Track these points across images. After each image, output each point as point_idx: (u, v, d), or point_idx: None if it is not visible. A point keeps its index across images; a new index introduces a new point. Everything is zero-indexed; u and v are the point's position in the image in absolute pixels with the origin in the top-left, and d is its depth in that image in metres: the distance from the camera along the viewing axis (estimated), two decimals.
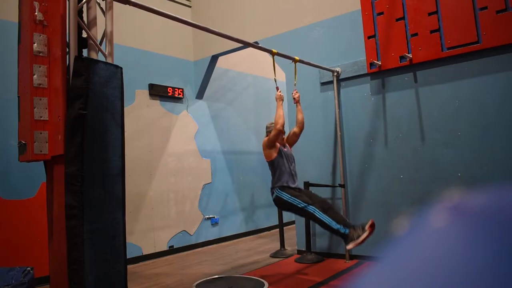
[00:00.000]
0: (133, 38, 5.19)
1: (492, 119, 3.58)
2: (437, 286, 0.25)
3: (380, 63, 4.17)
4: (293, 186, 3.55)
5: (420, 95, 3.99)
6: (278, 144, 3.62)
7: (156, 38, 5.50)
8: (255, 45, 3.76)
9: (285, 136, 3.83)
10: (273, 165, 3.59)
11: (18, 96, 2.35)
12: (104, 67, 2.31)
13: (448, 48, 3.79)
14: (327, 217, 3.18)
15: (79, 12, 2.34)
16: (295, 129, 3.89)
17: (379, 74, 4.25)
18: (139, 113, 5.17)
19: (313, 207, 3.27)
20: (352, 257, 4.28)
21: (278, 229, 5.29)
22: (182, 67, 5.86)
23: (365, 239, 2.96)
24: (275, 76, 3.75)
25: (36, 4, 2.26)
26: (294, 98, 3.94)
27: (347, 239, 3.07)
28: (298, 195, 3.43)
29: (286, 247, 4.97)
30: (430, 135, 3.92)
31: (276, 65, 3.85)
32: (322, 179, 4.55)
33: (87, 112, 2.19)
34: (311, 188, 4.40)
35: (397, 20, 4.08)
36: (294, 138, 3.89)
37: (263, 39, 5.17)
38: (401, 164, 4.06)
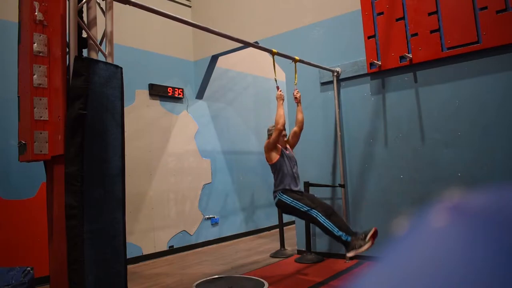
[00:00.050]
0: (133, 38, 5.19)
1: (492, 119, 3.58)
2: (437, 286, 0.25)
3: (380, 63, 4.17)
4: (295, 189, 3.54)
5: (420, 95, 3.99)
6: (280, 147, 3.61)
7: (156, 38, 5.50)
8: (255, 45, 3.76)
9: (287, 138, 3.83)
10: (276, 168, 3.58)
11: (18, 96, 2.35)
12: (104, 67, 2.31)
13: (448, 48, 3.79)
14: (330, 222, 3.16)
15: (79, 12, 2.34)
16: (295, 128, 3.89)
17: (379, 74, 4.25)
18: (139, 113, 5.18)
19: (316, 211, 3.25)
20: (352, 257, 4.28)
21: (278, 229, 5.28)
22: (182, 67, 5.86)
23: (366, 249, 2.95)
24: (275, 76, 3.74)
25: (36, 4, 2.26)
26: (295, 98, 3.94)
27: (348, 246, 3.05)
28: (300, 199, 3.41)
29: (286, 247, 4.97)
30: (430, 135, 3.92)
31: (276, 65, 3.85)
32: (322, 179, 4.55)
33: (87, 112, 2.19)
34: (311, 188, 4.40)
35: (397, 20, 4.08)
36: (295, 139, 3.89)
37: (263, 39, 5.17)
38: (401, 164, 4.06)
